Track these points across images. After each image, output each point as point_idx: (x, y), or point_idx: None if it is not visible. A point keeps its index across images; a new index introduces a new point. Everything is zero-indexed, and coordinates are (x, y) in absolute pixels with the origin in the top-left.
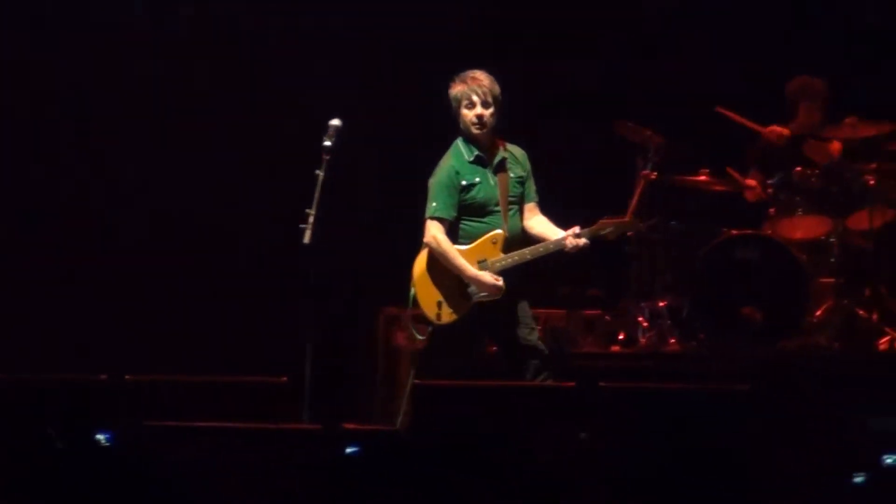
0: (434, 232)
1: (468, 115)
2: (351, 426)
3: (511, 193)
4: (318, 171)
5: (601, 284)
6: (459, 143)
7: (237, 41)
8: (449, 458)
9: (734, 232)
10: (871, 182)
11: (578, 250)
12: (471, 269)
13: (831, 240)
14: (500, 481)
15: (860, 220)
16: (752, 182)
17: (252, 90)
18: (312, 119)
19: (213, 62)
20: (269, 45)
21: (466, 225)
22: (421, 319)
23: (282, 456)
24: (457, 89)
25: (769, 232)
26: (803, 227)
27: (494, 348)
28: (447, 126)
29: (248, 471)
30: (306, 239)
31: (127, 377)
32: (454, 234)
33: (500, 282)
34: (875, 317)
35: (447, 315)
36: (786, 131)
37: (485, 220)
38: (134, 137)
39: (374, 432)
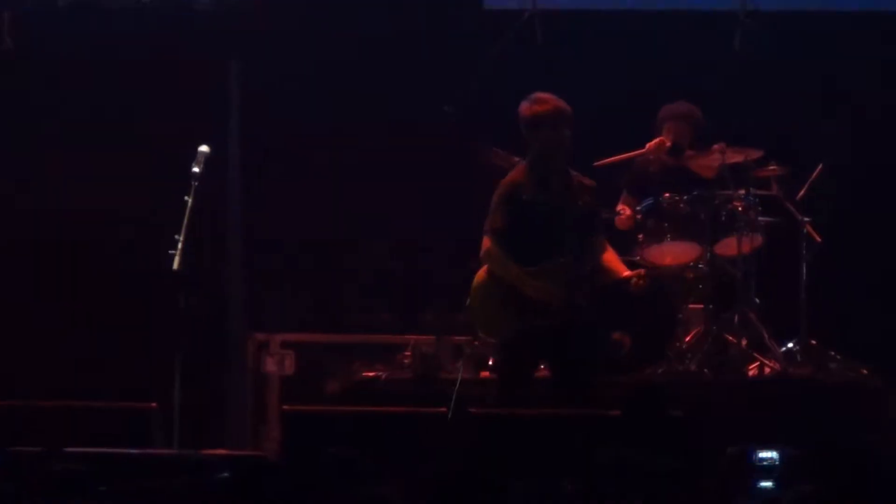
0: (489, 246)
1: (552, 136)
2: (220, 452)
3: (576, 220)
4: (186, 198)
5: None
6: (528, 163)
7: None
8: (318, 484)
9: None
10: (740, 208)
11: (640, 290)
12: (527, 277)
13: (700, 266)
14: None
15: (729, 247)
16: (623, 207)
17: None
18: (180, 147)
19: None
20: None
21: (528, 245)
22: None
23: (146, 482)
24: (538, 110)
25: (638, 258)
26: (672, 254)
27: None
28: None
29: (111, 497)
30: (175, 265)
31: None
32: (516, 254)
33: (557, 289)
34: (744, 343)
35: (503, 332)
36: (666, 141)
37: (547, 242)
38: None
39: (242, 458)
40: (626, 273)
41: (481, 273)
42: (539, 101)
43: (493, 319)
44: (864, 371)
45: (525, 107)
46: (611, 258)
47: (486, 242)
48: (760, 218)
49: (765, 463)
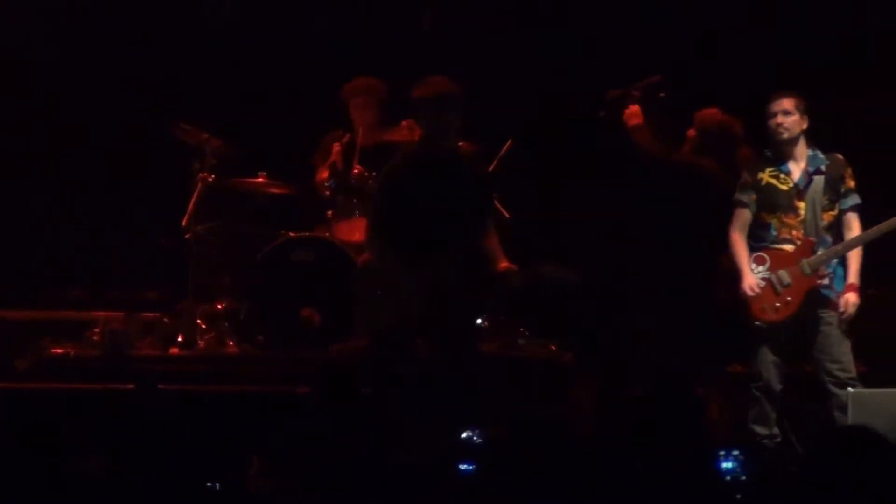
0: (370, 235)
1: (434, 120)
2: None
3: (460, 205)
4: None
5: (159, 286)
6: (416, 146)
7: None
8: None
9: (292, 234)
10: None
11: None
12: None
13: None
14: (54, 484)
15: None
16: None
17: None
18: None
19: None
20: None
21: (410, 231)
22: None
23: None
24: (420, 94)
25: (327, 234)
26: (361, 229)
27: None
28: None
29: None
30: None
31: None
32: (399, 240)
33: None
34: None
35: (380, 319)
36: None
37: (429, 228)
38: None
39: None
40: (503, 265)
41: (363, 260)
42: (422, 85)
43: (370, 307)
44: (553, 347)
45: (413, 89)
46: (493, 244)
47: (369, 231)
48: None
49: (468, 442)
